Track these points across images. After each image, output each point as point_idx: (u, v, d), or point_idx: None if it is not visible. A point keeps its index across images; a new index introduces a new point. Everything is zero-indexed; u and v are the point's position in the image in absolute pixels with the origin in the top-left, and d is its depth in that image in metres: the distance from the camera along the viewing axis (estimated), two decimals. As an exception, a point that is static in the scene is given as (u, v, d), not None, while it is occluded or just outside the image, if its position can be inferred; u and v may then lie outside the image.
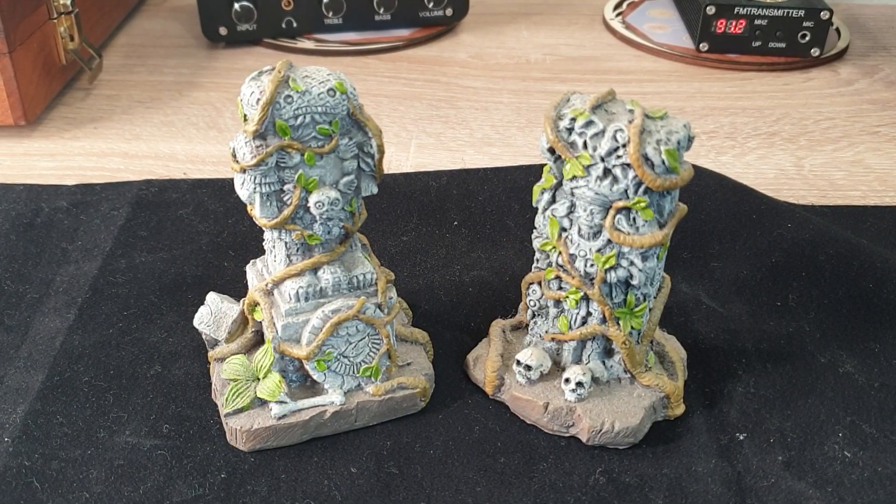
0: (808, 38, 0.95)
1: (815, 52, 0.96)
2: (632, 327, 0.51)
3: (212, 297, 0.54)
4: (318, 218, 0.49)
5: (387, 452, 0.51)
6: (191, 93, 0.90)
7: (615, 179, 0.46)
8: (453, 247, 0.67)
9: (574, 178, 0.47)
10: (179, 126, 0.84)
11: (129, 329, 0.58)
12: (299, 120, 0.46)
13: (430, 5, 1.00)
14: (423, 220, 0.70)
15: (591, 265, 0.49)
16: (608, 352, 0.53)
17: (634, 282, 0.49)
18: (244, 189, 0.48)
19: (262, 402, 0.51)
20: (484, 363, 0.54)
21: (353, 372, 0.51)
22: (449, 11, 1.02)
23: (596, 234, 0.48)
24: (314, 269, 0.50)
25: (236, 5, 0.95)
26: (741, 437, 0.52)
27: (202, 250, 0.66)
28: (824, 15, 0.93)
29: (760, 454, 0.51)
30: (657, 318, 0.52)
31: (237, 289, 0.61)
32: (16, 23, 0.76)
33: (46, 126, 0.83)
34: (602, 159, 0.46)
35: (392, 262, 0.65)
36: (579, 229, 0.49)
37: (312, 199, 0.48)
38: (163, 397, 0.53)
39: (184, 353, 0.57)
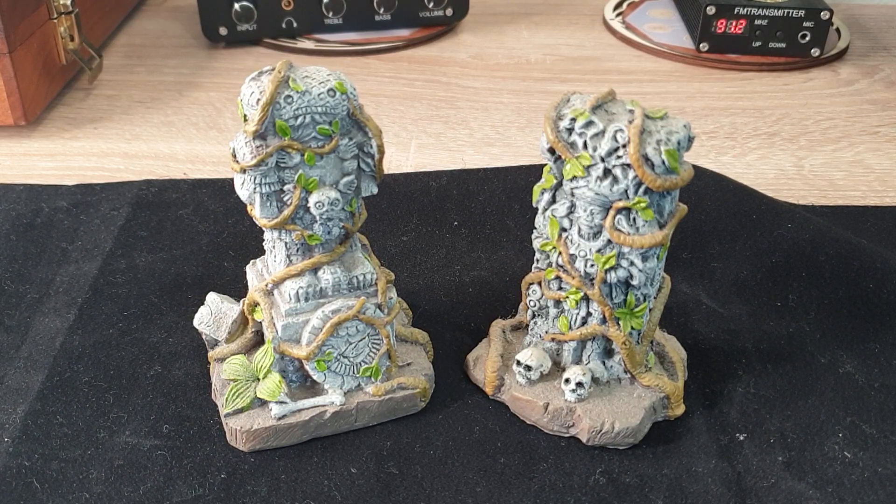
0: (808, 39, 0.95)
1: (815, 52, 0.96)
2: (632, 327, 0.51)
3: (212, 297, 0.54)
4: (318, 218, 0.49)
5: (387, 452, 0.51)
6: (191, 93, 0.90)
7: (615, 180, 0.46)
8: (453, 247, 0.67)
9: (574, 178, 0.47)
10: (179, 126, 0.84)
11: (129, 329, 0.58)
12: (299, 120, 0.46)
13: (430, 5, 1.00)
14: (423, 220, 0.70)
15: (591, 265, 0.49)
16: (608, 352, 0.53)
17: (634, 282, 0.49)
18: (244, 189, 0.48)
19: (262, 403, 0.51)
20: (484, 363, 0.54)
21: (353, 372, 0.51)
22: (449, 11, 1.02)
23: (596, 234, 0.48)
24: (314, 270, 0.50)
25: (236, 5, 0.95)
26: (741, 438, 0.52)
27: (202, 250, 0.66)
28: (824, 15, 0.93)
29: (760, 454, 0.51)
30: (657, 319, 0.52)
31: (237, 289, 0.61)
32: (16, 23, 0.76)
33: (46, 126, 0.83)
34: (602, 159, 0.46)
35: (392, 262, 0.65)
36: (579, 229, 0.49)
37: (312, 199, 0.48)
38: (163, 397, 0.53)
39: (184, 353, 0.57)
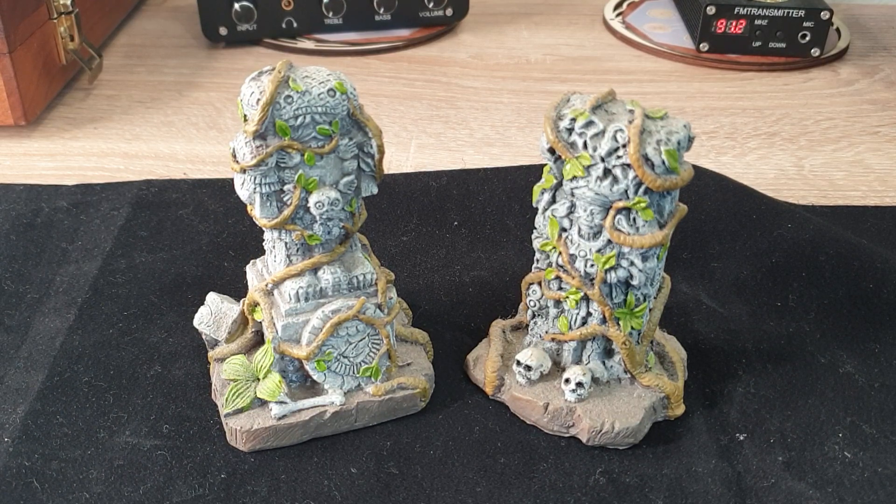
0: (808, 39, 0.95)
1: (815, 52, 0.96)
2: (632, 328, 0.51)
3: (212, 297, 0.54)
4: (318, 218, 0.49)
5: (387, 452, 0.51)
6: (191, 93, 0.90)
7: (615, 180, 0.46)
8: (453, 247, 0.67)
9: (574, 178, 0.47)
10: (179, 126, 0.84)
11: (129, 329, 0.58)
12: (299, 120, 0.46)
13: (430, 5, 1.00)
14: (423, 220, 0.70)
15: (591, 265, 0.49)
16: (608, 352, 0.53)
17: (634, 282, 0.49)
18: (244, 189, 0.48)
19: (262, 403, 0.51)
20: (484, 363, 0.54)
21: (353, 372, 0.51)
22: (449, 11, 1.02)
23: (596, 234, 0.48)
24: (314, 270, 0.50)
25: (236, 5, 0.95)
26: (741, 438, 0.52)
27: (202, 250, 0.66)
28: (824, 15, 0.93)
29: (760, 454, 0.51)
30: (657, 319, 0.52)
31: (237, 289, 0.61)
32: (16, 23, 0.76)
33: (46, 126, 0.83)
34: (602, 159, 0.46)
35: (392, 262, 0.65)
36: (579, 229, 0.49)
37: (312, 199, 0.48)
38: (163, 397, 0.53)
39: (184, 353, 0.57)
